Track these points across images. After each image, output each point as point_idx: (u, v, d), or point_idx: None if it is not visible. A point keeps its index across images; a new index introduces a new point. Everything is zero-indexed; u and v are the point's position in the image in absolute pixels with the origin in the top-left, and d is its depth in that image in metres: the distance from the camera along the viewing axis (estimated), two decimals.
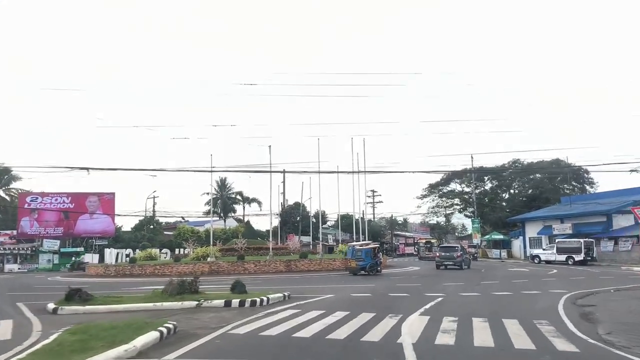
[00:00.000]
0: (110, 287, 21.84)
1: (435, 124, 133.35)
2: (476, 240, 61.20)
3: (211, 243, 30.70)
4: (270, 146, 34.52)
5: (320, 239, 47.30)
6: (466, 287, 20.02)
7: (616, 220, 46.42)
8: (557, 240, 44.97)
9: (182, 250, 42.56)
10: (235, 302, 13.51)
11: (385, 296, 16.58)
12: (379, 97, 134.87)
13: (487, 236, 61.81)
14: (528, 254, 53.75)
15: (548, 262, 44.86)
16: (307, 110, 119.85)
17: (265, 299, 14.24)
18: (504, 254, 56.42)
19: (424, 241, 73.54)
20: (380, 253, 31.55)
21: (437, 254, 36.59)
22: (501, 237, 60.62)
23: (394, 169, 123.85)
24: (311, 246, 38.14)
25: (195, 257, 30.51)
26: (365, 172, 31.55)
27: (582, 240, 42.78)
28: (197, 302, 13.05)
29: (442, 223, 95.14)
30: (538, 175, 71.07)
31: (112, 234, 58.39)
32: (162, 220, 66.14)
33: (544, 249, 46.32)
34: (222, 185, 75.00)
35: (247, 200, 71.74)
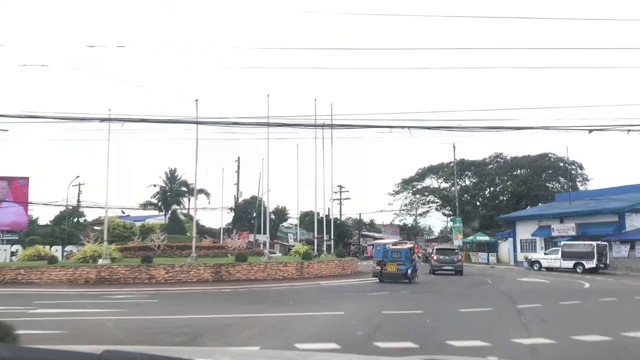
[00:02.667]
0: None
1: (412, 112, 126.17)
2: (457, 242, 53.11)
3: (105, 238, 21.23)
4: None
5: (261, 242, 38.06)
6: (504, 316, 11.42)
7: (629, 220, 38.89)
8: (562, 243, 37.10)
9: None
10: None
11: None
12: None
13: (470, 238, 53.84)
14: (520, 259, 45.99)
15: (549, 269, 37.07)
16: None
17: None
18: (492, 258, 48.46)
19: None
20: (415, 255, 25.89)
21: (435, 257, 29.40)
22: (487, 238, 52.77)
23: (364, 125, 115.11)
24: (262, 245, 29.68)
25: (81, 258, 20.99)
26: (331, 126, 22.55)
27: (594, 243, 35.03)
28: None
29: (409, 224, 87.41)
30: (523, 170, 63.68)
31: (25, 227, 47.91)
32: (97, 213, 55.70)
33: (545, 253, 38.38)
34: (172, 177, 65.17)
35: (192, 192, 61.89)
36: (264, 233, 71.42)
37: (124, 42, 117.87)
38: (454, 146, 55.67)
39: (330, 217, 77.66)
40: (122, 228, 47.85)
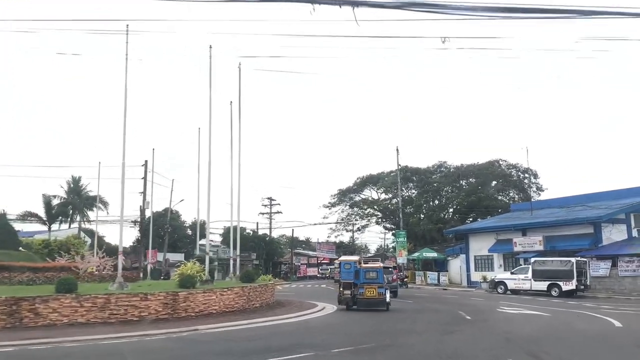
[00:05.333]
0: None
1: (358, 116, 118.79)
2: (401, 259, 45.58)
3: None
4: None
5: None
6: None
7: (607, 232, 32.64)
8: (533, 260, 30.10)
9: None
10: None
11: None
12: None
13: (416, 254, 46.43)
14: (475, 279, 38.95)
15: (516, 291, 30.13)
16: None
17: None
18: (444, 278, 41.05)
19: (369, 264, 57.34)
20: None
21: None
22: (435, 255, 45.50)
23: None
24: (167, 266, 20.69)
25: None
26: None
27: (572, 259, 28.26)
28: None
29: (347, 242, 79.87)
30: (469, 180, 57.39)
31: None
32: None
33: (512, 273, 31.26)
34: (75, 185, 54.00)
35: (87, 202, 51.30)
36: (180, 251, 60.41)
37: None
38: (397, 149, 48.51)
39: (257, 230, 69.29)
40: None
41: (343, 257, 23.21)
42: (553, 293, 28.09)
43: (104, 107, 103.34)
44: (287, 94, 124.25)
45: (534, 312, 17.33)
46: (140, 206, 52.62)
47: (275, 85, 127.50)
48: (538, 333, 12.09)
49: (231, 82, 22.10)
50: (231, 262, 20.66)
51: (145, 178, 50.61)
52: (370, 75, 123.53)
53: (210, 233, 67.86)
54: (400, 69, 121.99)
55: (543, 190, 51.56)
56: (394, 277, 28.85)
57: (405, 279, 40.59)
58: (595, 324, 13.95)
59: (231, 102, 22.46)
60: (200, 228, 63.87)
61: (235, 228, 22.71)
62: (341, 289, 18.24)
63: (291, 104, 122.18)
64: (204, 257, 18.92)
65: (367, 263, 19.62)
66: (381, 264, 20.09)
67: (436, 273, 41.78)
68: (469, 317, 15.43)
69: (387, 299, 17.73)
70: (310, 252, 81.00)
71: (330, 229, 70.74)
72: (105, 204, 52.71)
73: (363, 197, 65.77)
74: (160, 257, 54.99)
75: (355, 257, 22.86)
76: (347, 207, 66.84)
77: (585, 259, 29.09)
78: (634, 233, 33.32)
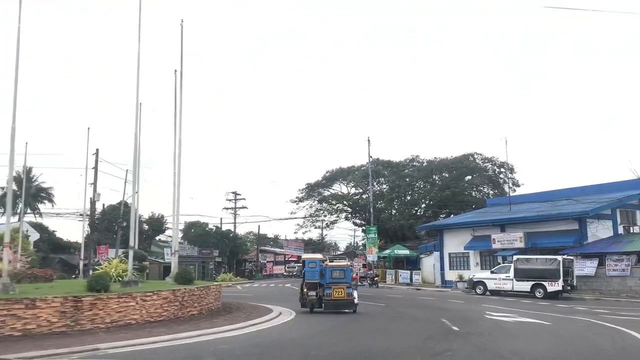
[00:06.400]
0: None
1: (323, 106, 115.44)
2: (372, 256, 42.71)
3: None
4: None
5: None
6: None
7: (592, 229, 30.35)
8: (516, 258, 27.50)
9: None
10: None
11: None
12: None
13: (387, 251, 43.61)
14: (449, 278, 36.36)
15: (496, 292, 27.56)
16: None
17: None
18: (417, 277, 38.25)
19: (335, 262, 54.01)
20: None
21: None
22: (407, 252, 42.75)
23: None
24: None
25: None
26: None
27: (559, 258, 25.82)
28: None
29: (316, 239, 76.83)
30: (443, 174, 54.89)
31: None
32: None
33: (492, 272, 28.61)
34: (27, 176, 49.11)
35: (33, 192, 46.75)
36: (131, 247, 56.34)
37: None
38: (368, 140, 45.64)
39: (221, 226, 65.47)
40: None
41: (306, 255, 21.35)
42: (537, 294, 25.60)
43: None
44: (254, 85, 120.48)
45: (530, 320, 14.46)
46: (91, 198, 48.23)
47: (240, 75, 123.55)
48: (556, 355, 9.16)
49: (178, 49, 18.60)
50: (173, 259, 17.08)
51: (96, 168, 46.38)
52: (343, 65, 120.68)
53: (169, 228, 63.74)
54: (374, 60, 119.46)
55: (519, 186, 49.36)
56: (354, 275, 27.39)
57: (375, 278, 37.75)
58: (616, 338, 11.10)
59: (175, 70, 19.01)
60: (157, 223, 60.31)
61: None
62: (305, 290, 16.59)
63: (258, 96, 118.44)
64: (140, 252, 15.39)
65: (332, 261, 17.97)
66: (348, 263, 18.70)
67: (408, 272, 38.98)
68: (456, 328, 12.43)
69: (356, 300, 16.44)
70: (278, 250, 77.59)
71: (298, 224, 67.41)
72: (50, 195, 48.46)
73: (332, 192, 62.78)
74: (112, 253, 50.71)
75: (319, 255, 20.94)
76: (316, 202, 63.71)
77: (571, 257, 26.67)
78: (620, 230, 31.17)
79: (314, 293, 16.35)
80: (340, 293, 16.15)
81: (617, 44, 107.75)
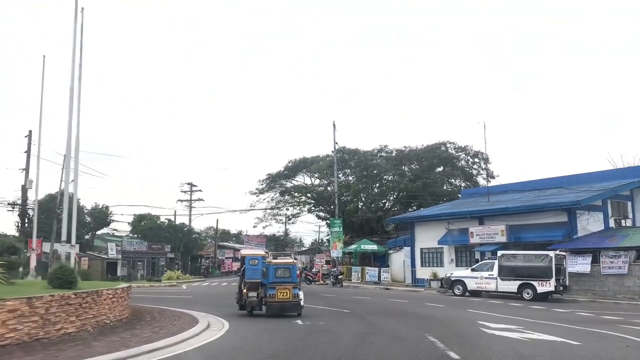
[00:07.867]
0: None
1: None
2: (336, 252, 38.74)
3: None
4: None
5: None
6: None
7: (583, 221, 27.05)
8: (500, 254, 23.87)
9: None
10: None
11: None
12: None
13: (353, 246, 39.70)
14: (421, 276, 32.67)
15: (477, 293, 23.98)
16: None
17: None
18: (386, 275, 34.41)
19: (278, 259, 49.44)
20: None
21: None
22: (375, 248, 38.90)
23: None
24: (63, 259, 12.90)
25: None
26: None
27: (551, 253, 22.39)
28: None
29: (278, 234, 72.76)
30: (412, 166, 51.29)
31: None
32: None
33: (473, 269, 24.94)
34: None
35: None
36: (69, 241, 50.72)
37: None
38: (334, 125, 41.58)
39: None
40: None
41: (246, 251, 18.73)
42: (525, 296, 22.18)
43: None
44: (246, 85, 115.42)
45: (547, 338, 10.60)
46: (22, 185, 42.53)
47: (232, 75, 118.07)
48: None
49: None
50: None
51: (28, 152, 40.84)
52: (334, 66, 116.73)
53: (115, 221, 58.16)
54: (366, 60, 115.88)
55: (494, 178, 46.07)
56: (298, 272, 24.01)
57: (340, 276, 33.74)
58: None
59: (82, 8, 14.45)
60: (101, 214, 54.85)
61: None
62: (245, 290, 14.92)
63: (250, 95, 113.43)
64: (9, 242, 10.83)
65: (276, 258, 16.54)
66: (294, 260, 17.22)
67: (376, 269, 35.17)
68: (455, 355, 8.44)
69: (302, 302, 15.26)
70: (238, 245, 72.84)
71: (258, 218, 62.85)
72: None
73: (295, 183, 58.46)
74: (47, 247, 45.07)
75: (261, 251, 18.99)
76: (277, 194, 59.26)
77: (564, 253, 23.23)
78: (611, 223, 28.06)
79: (254, 294, 14.86)
80: (285, 294, 14.88)
81: (610, 44, 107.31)
